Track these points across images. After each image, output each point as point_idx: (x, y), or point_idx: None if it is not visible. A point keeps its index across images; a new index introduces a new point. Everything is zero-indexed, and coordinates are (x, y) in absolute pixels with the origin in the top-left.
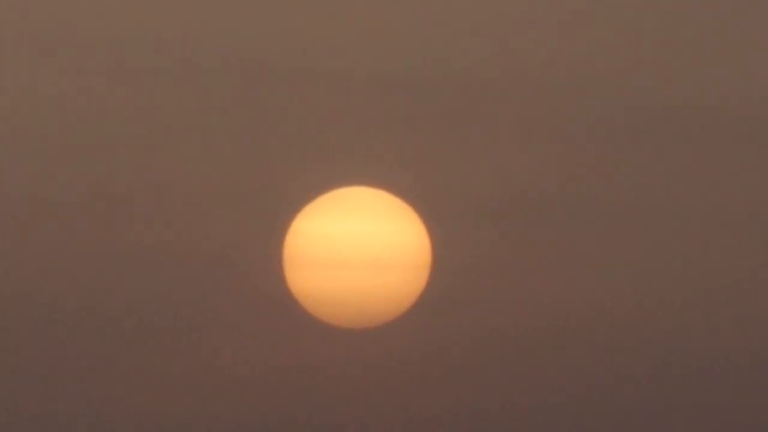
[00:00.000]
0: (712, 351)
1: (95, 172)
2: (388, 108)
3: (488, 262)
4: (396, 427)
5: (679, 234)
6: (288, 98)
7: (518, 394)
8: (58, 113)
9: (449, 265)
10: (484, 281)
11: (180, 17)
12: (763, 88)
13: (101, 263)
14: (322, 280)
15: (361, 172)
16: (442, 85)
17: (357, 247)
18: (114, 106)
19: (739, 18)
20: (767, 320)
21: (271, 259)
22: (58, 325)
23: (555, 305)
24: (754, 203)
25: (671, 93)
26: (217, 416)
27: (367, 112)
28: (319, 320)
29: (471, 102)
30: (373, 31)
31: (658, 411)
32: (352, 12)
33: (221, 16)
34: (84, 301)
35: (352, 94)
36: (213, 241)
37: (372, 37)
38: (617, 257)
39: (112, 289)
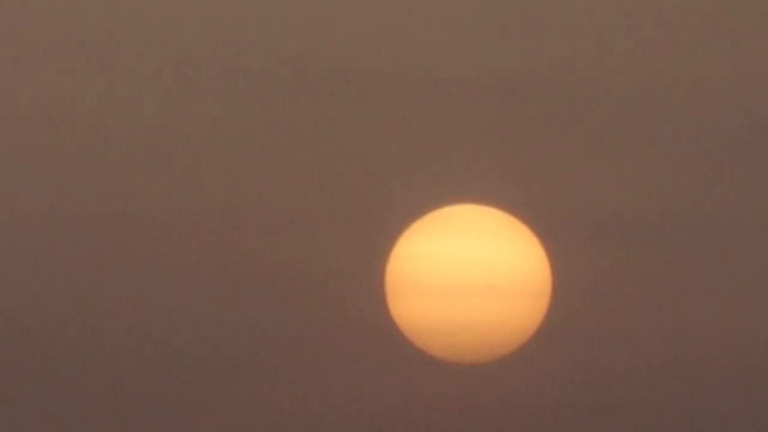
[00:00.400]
0: None
1: (179, 189)
2: (502, 117)
3: (616, 287)
4: None
5: None
6: (389, 107)
7: None
8: (138, 125)
9: (572, 292)
10: (611, 309)
11: (261, 20)
12: None
13: (188, 291)
14: (429, 310)
15: (472, 188)
16: (561, 94)
17: (467, 271)
18: (203, 123)
19: None
20: None
21: (372, 286)
22: (137, 355)
23: (691, 336)
24: None
25: None
26: None
27: (479, 122)
28: (426, 354)
29: (592, 112)
30: (485, 35)
31: None
32: (458, 15)
33: (309, 21)
34: (167, 332)
35: (461, 102)
36: (308, 266)
37: (484, 41)
38: (756, 281)
39: (201, 319)
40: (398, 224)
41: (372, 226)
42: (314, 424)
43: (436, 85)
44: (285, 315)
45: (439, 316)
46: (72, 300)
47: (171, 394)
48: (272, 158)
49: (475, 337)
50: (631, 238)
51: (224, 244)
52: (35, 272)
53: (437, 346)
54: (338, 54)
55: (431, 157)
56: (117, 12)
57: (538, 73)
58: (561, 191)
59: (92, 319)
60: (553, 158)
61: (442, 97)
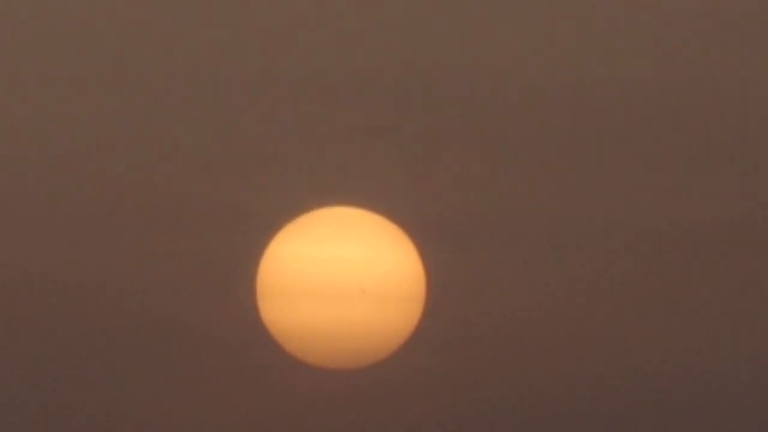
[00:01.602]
0: None
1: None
2: (378, 120)
3: (491, 290)
4: None
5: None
6: (264, 107)
7: None
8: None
9: (446, 296)
10: (486, 312)
11: (160, 21)
12: None
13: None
14: (301, 313)
15: (347, 190)
16: (435, 95)
17: (340, 275)
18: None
19: None
20: None
21: (244, 288)
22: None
23: (564, 334)
24: None
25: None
26: None
27: (355, 124)
28: (297, 359)
29: (466, 116)
30: (361, 34)
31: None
32: (343, 14)
33: (198, 22)
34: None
35: (337, 103)
36: (180, 263)
37: (359, 40)
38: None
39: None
40: (271, 225)
41: (245, 225)
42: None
43: (313, 87)
44: (157, 312)
45: (311, 320)
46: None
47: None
48: (145, 156)
49: (348, 342)
50: (505, 240)
51: (106, 241)
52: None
53: (309, 350)
54: (218, 52)
55: (306, 158)
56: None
57: (415, 77)
58: (436, 194)
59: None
60: (428, 160)
61: (317, 98)
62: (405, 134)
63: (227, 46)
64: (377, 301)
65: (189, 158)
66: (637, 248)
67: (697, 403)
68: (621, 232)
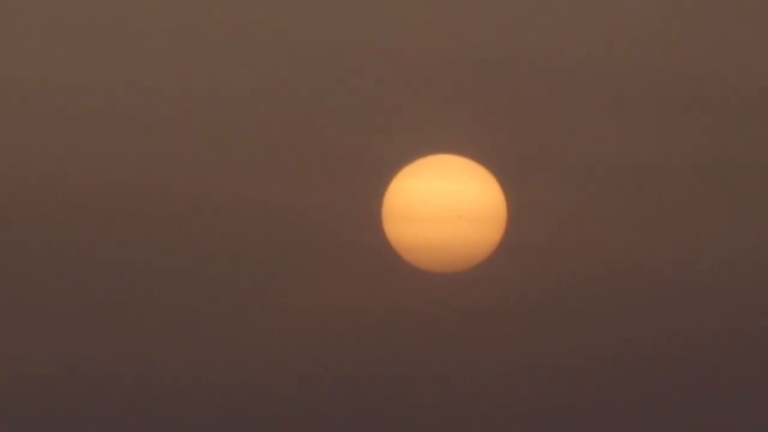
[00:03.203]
0: None
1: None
2: (470, 88)
3: (556, 215)
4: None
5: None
6: (388, 79)
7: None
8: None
9: (523, 219)
10: (553, 232)
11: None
12: None
13: (204, 217)
14: (415, 231)
15: (448, 141)
16: (516, 71)
17: (445, 203)
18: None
19: None
20: None
21: (372, 213)
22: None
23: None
24: None
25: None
26: (321, 347)
27: (452, 92)
28: (412, 265)
29: (544, 85)
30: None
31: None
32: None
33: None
34: (183, 254)
35: (444, 76)
36: (323, 196)
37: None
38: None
39: (217, 245)
40: (395, 166)
41: (374, 166)
42: (322, 324)
43: (425, 62)
44: (299, 237)
45: (423, 236)
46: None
47: (183, 300)
48: (288, 118)
49: (450, 253)
50: (577, 180)
51: (246, 178)
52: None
53: (421, 258)
54: (329, 32)
55: (419, 119)
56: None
57: (497, 54)
58: (512, 144)
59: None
60: (506, 120)
61: (430, 73)
62: (489, 99)
63: (342, 25)
64: (470, 222)
65: (336, 114)
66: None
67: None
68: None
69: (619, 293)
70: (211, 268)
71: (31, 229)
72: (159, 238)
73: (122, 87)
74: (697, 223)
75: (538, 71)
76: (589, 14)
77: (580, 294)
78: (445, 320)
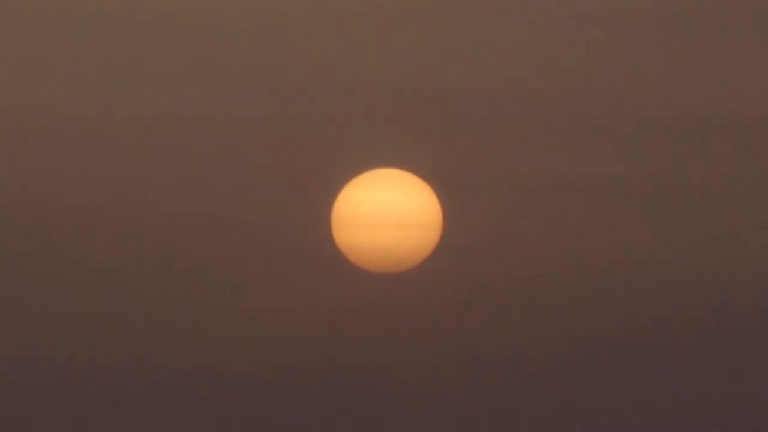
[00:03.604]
0: None
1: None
2: (406, 108)
3: (485, 223)
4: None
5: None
6: (338, 103)
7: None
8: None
9: (456, 226)
10: (482, 237)
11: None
12: None
13: (172, 230)
14: (362, 238)
15: (391, 157)
16: (447, 94)
17: (384, 211)
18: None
19: None
20: None
21: (322, 221)
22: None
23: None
24: None
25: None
26: (272, 348)
27: (395, 115)
28: (355, 265)
29: (473, 110)
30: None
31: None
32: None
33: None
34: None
35: (387, 101)
36: (279, 205)
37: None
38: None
39: (181, 253)
40: (342, 179)
41: (323, 179)
42: (277, 325)
43: (372, 92)
44: (256, 246)
45: (367, 241)
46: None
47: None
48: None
49: (389, 254)
50: (508, 193)
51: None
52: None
53: (364, 259)
54: (288, 59)
55: (365, 137)
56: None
57: (430, 80)
58: (448, 158)
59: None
60: (440, 139)
61: (368, 100)
62: (426, 121)
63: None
64: (407, 229)
65: (290, 136)
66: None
67: None
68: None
69: (538, 293)
70: (175, 274)
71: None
72: (123, 249)
73: (88, 107)
74: (607, 234)
75: (469, 98)
76: (515, 44)
77: (505, 292)
78: (388, 315)
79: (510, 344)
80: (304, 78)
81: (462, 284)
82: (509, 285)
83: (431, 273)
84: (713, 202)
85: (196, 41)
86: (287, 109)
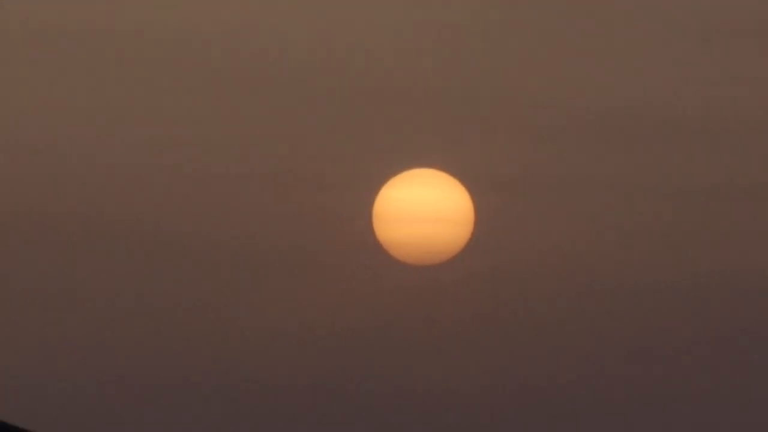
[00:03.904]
0: None
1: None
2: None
3: (512, 217)
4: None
5: None
6: (383, 111)
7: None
8: None
9: (487, 222)
10: (509, 234)
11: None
12: None
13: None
14: (400, 232)
15: (427, 158)
16: (480, 102)
17: (422, 207)
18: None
19: None
20: None
21: (364, 217)
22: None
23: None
24: None
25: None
26: (321, 321)
27: (433, 121)
28: (397, 260)
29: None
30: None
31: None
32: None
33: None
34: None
35: (421, 109)
36: (328, 201)
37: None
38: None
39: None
40: (383, 177)
41: (365, 178)
42: (326, 303)
43: (407, 100)
44: (306, 225)
45: (406, 236)
46: None
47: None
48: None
49: (427, 248)
50: (529, 193)
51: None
52: None
53: (404, 254)
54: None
55: (405, 140)
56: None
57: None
58: (480, 161)
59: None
60: (476, 142)
61: (402, 104)
62: (461, 127)
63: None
64: (442, 224)
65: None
66: None
67: None
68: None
69: (561, 284)
70: (241, 260)
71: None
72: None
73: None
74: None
75: (503, 104)
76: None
77: (528, 273)
78: (424, 300)
79: (532, 328)
80: (353, 89)
81: (492, 276)
82: (536, 278)
83: (464, 265)
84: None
85: (243, 47)
86: (335, 117)
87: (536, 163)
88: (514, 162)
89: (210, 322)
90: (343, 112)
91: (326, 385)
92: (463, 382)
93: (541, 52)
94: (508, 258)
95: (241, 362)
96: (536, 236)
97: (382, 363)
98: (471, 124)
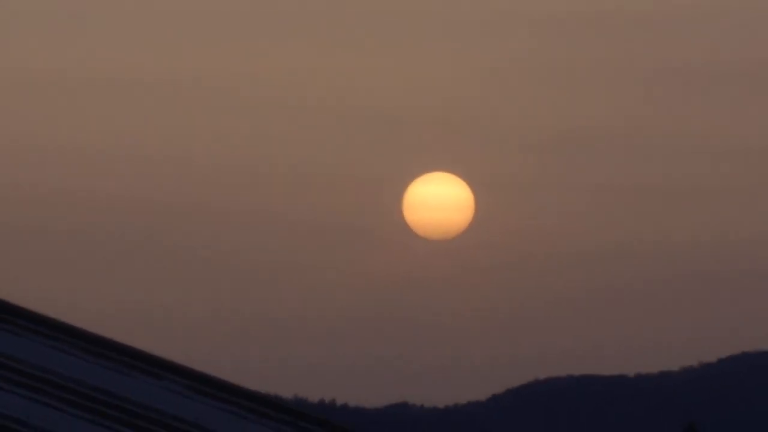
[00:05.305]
0: None
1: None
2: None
3: (502, 206)
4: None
5: None
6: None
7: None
8: None
9: (484, 209)
10: (500, 217)
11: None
12: None
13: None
14: (423, 216)
15: (441, 164)
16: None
17: (440, 198)
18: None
19: None
20: None
21: (397, 206)
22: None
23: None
24: None
25: None
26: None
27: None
28: (421, 236)
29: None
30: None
31: None
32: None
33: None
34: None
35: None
36: (369, 196)
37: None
38: None
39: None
40: (411, 177)
41: (397, 178)
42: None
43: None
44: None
45: (428, 216)
46: None
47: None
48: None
49: (441, 227)
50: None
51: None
52: None
53: (425, 231)
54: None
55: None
56: None
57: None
58: (479, 164)
59: None
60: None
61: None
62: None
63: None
64: (451, 211)
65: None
66: None
67: None
68: None
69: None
70: (286, 247)
71: None
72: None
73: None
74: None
75: (496, 127)
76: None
77: (513, 243)
78: (439, 263)
79: (519, 278)
80: (394, 118)
81: (488, 246)
82: (520, 246)
83: (467, 240)
84: None
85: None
86: (381, 138)
87: (520, 166)
88: (503, 166)
89: (280, 282)
90: (387, 135)
91: (370, 320)
92: (469, 313)
93: (526, 88)
94: (499, 234)
95: (310, 305)
96: (520, 219)
97: (410, 301)
98: (471, 142)
